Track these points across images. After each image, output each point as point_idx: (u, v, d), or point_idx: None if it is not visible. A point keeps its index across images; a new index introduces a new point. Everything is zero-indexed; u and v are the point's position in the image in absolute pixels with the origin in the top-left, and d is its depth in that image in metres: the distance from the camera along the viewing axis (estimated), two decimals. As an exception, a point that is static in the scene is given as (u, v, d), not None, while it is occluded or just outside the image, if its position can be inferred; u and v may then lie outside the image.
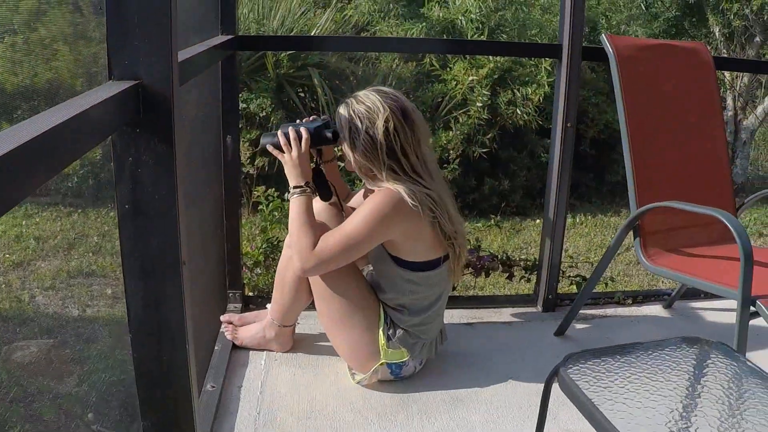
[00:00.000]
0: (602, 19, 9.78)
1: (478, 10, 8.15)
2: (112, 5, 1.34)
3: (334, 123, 2.58)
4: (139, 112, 1.38)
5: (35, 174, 1.02)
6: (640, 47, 3.06)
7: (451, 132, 7.54)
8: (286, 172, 2.56)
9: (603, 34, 2.97)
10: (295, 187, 2.52)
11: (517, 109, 7.78)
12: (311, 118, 2.63)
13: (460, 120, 7.65)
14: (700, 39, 10.56)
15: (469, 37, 7.99)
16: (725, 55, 10.18)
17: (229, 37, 2.86)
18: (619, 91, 2.90)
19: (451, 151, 7.44)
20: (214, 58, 2.65)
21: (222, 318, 2.96)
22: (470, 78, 7.69)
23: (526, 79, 7.95)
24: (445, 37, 8.04)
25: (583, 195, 8.65)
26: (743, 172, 9.76)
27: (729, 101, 9.89)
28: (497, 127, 7.85)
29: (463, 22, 8.14)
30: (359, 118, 2.46)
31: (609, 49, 2.92)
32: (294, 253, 2.49)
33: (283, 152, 2.54)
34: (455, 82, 7.78)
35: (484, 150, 7.71)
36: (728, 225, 2.39)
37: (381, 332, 2.57)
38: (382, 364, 2.58)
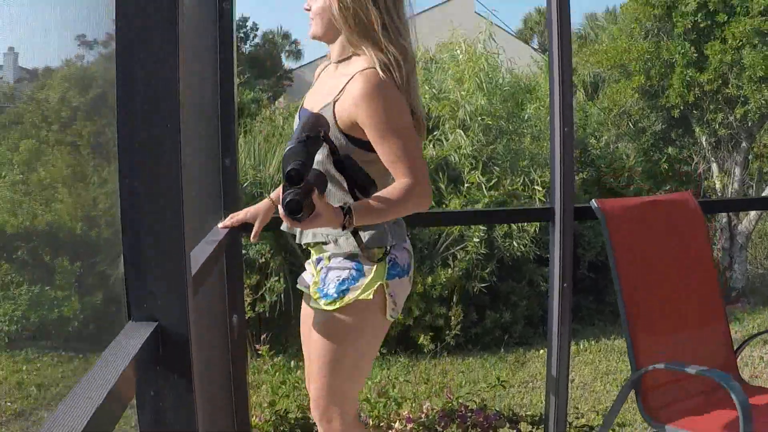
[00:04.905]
0: (591, 139, 10.01)
1: (470, 145, 8.36)
2: (130, 249, 1.43)
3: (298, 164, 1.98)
4: (158, 350, 1.46)
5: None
6: (628, 207, 3.18)
7: (449, 270, 7.63)
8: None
9: (593, 201, 3.09)
10: (342, 228, 2.14)
11: (514, 242, 7.91)
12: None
13: (458, 256, 7.75)
14: (687, 149, 10.88)
15: (465, 173, 8.18)
16: (714, 165, 10.51)
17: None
18: (611, 253, 3.00)
19: (455, 294, 7.57)
20: (220, 254, 2.71)
21: None
22: (466, 214, 7.85)
23: (521, 211, 8.11)
24: (440, 174, 8.17)
25: (584, 318, 8.69)
26: (743, 277, 9.92)
27: (721, 209, 10.17)
28: (495, 260, 7.95)
29: (457, 158, 8.34)
30: None
31: (599, 213, 3.04)
32: (416, 202, 2.20)
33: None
34: (452, 218, 7.94)
35: (484, 285, 7.79)
36: (728, 390, 2.46)
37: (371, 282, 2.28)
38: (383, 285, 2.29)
